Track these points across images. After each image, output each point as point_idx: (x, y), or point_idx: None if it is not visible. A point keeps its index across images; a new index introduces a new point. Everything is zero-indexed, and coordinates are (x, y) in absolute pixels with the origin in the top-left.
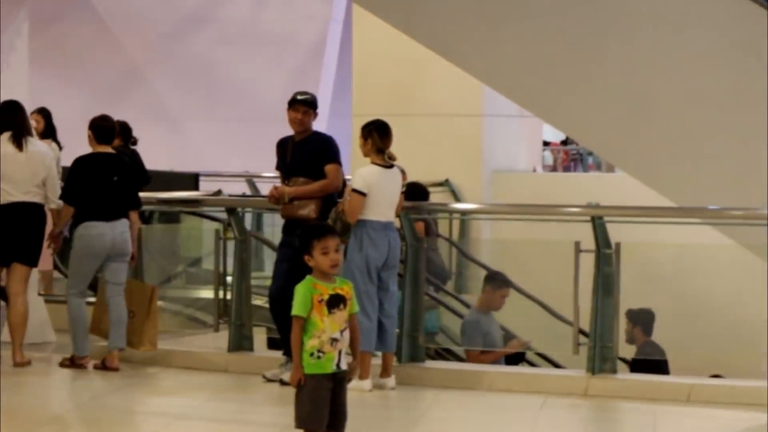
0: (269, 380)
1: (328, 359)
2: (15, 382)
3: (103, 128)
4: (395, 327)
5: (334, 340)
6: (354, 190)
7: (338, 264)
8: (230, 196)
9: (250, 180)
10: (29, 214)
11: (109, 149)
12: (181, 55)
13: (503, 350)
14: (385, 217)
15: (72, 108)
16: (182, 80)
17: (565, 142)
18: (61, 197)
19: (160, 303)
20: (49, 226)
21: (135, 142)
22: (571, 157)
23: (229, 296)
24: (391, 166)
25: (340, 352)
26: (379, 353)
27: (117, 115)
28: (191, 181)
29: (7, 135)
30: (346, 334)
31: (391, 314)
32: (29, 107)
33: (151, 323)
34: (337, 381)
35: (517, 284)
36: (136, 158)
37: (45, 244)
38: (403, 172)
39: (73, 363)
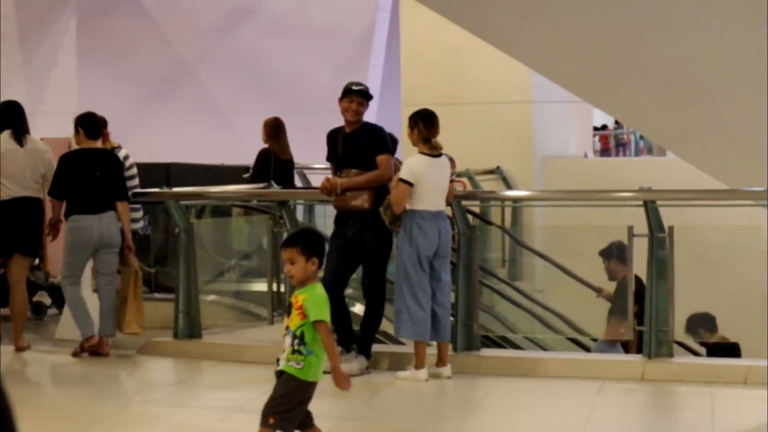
0: (325, 372)
1: None
2: (68, 376)
3: (92, 125)
4: (449, 316)
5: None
6: (400, 180)
7: (291, 275)
8: (281, 188)
9: (301, 172)
10: (29, 208)
11: (97, 144)
12: (228, 48)
13: None
14: (434, 206)
15: (121, 103)
16: (230, 73)
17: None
18: (49, 192)
19: (213, 297)
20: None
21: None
22: (618, 142)
23: (282, 289)
24: (439, 155)
25: (281, 357)
26: (434, 342)
27: (166, 109)
28: (242, 174)
29: (7, 133)
30: (287, 339)
31: (444, 303)
32: (78, 103)
33: (137, 305)
34: None
35: (570, 270)
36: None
37: (45, 232)
38: (452, 160)
39: (82, 349)
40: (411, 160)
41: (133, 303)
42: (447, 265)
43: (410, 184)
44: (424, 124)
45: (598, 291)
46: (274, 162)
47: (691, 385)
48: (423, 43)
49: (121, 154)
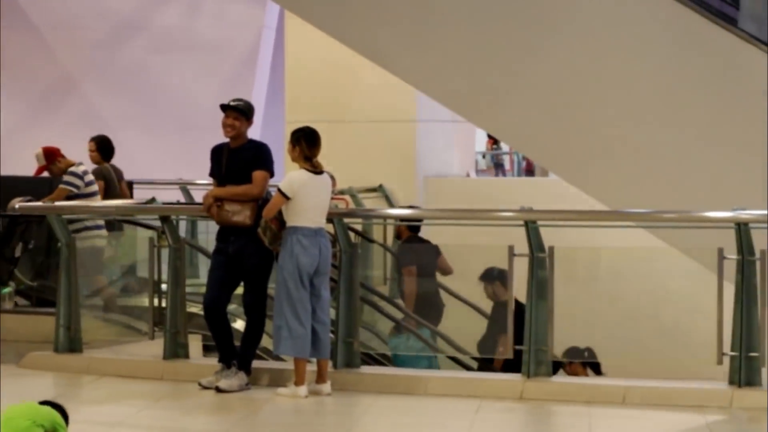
0: (205, 387)
1: None
2: None
3: None
4: (328, 333)
5: None
6: (278, 189)
7: None
8: (164, 203)
9: (184, 187)
10: None
11: None
12: (114, 63)
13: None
14: (315, 223)
15: (5, 116)
16: (116, 88)
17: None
18: None
19: (94, 311)
20: None
21: None
22: (498, 162)
23: (164, 304)
24: (320, 173)
25: None
26: (315, 359)
27: (51, 123)
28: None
29: None
30: None
31: (324, 320)
32: None
33: None
34: None
35: (451, 289)
36: None
37: None
38: (332, 178)
39: None
40: (292, 174)
41: None
42: (327, 282)
43: (286, 197)
44: (307, 142)
45: None
46: None
47: (570, 404)
48: (308, 60)
49: (80, 169)
